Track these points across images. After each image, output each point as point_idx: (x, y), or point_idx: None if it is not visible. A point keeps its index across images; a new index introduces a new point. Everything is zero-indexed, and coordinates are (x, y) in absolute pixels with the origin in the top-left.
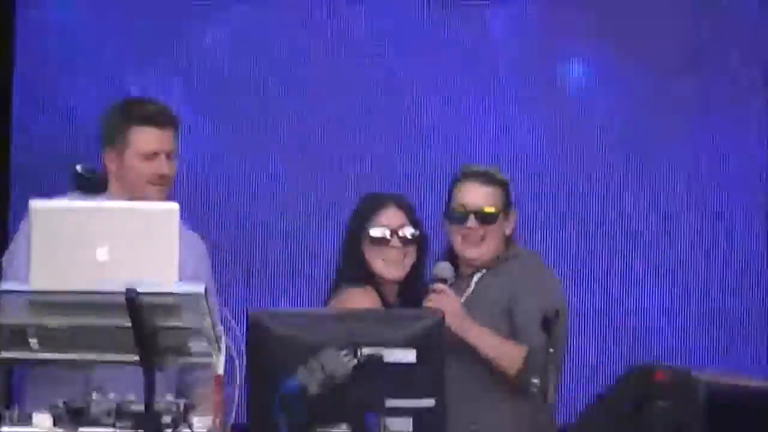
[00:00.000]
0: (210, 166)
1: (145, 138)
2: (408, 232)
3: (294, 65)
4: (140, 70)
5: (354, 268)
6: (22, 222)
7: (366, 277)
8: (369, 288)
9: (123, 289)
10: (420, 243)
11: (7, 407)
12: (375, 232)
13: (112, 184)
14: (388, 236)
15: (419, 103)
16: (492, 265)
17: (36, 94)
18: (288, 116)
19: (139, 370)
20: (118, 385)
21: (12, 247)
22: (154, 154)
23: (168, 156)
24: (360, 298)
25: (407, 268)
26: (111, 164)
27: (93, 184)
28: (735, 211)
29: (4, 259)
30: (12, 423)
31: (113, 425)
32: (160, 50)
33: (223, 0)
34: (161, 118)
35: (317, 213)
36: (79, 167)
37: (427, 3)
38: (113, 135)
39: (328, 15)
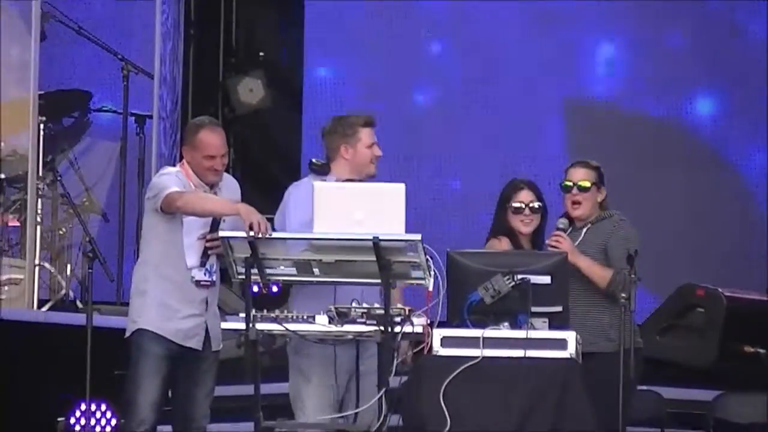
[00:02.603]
0: None
1: (368, 134)
2: (535, 205)
3: None
4: None
5: (501, 226)
6: (288, 194)
7: (508, 231)
8: (504, 238)
9: (371, 237)
10: (542, 211)
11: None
12: (515, 204)
13: (340, 167)
14: (523, 207)
15: None
16: (594, 222)
17: None
18: None
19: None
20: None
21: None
22: (372, 144)
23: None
24: (498, 244)
25: (534, 227)
26: (345, 153)
27: (322, 170)
28: None
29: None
30: (299, 321)
31: (365, 323)
32: None
33: None
34: (374, 121)
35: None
36: (313, 160)
37: None
38: (348, 135)
39: None
